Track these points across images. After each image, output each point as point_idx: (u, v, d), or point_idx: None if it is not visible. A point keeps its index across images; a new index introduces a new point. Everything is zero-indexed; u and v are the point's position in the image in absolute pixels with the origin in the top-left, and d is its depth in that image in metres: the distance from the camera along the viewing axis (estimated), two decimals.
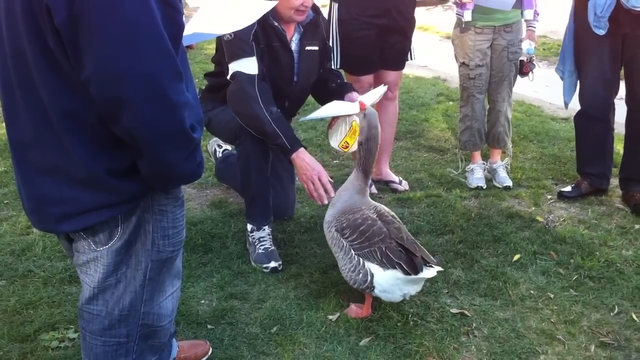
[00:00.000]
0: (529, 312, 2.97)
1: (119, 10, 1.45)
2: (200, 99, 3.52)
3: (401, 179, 4.44)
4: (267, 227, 3.42)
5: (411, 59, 4.30)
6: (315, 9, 3.48)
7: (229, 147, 4.17)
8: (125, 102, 1.49)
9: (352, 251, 2.81)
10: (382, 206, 3.00)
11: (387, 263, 2.72)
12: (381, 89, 3.57)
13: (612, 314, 2.99)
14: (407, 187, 4.37)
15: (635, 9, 3.68)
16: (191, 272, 3.21)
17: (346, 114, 3.32)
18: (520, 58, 4.31)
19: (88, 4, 1.44)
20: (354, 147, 3.27)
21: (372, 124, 2.92)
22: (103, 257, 1.75)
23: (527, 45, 4.30)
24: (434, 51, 8.95)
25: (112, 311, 1.80)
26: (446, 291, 3.12)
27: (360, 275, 2.79)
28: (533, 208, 4.11)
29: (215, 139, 4.16)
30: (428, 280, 3.13)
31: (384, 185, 4.41)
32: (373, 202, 3.03)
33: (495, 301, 3.05)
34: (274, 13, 3.27)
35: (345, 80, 3.82)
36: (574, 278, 3.26)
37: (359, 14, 3.96)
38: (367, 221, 2.81)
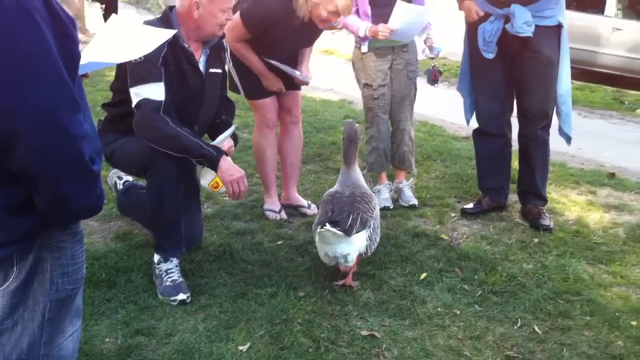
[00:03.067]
0: (437, 330, 3.03)
1: (11, 41, 1.39)
2: (100, 130, 3.40)
3: (310, 202, 4.45)
4: (175, 258, 3.35)
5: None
6: None
7: (129, 178, 4.06)
8: (20, 135, 1.42)
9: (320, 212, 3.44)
10: (359, 189, 3.54)
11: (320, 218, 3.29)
12: (229, 130, 3.57)
13: (515, 327, 3.08)
14: (316, 211, 4.35)
15: (519, 34, 3.90)
16: (94, 309, 3.09)
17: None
18: (431, 56, 4.46)
19: None
20: (224, 187, 3.30)
21: (346, 128, 3.63)
22: None
23: (428, 52, 4.44)
24: (339, 74, 9.09)
25: (9, 356, 1.71)
26: (356, 313, 3.14)
27: (313, 225, 3.44)
28: (438, 226, 4.22)
29: (115, 170, 4.02)
30: (338, 303, 3.17)
31: (294, 210, 4.41)
32: (355, 182, 3.60)
33: (404, 321, 3.09)
34: (184, 34, 3.24)
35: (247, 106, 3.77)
36: (479, 293, 3.35)
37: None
38: (329, 196, 3.49)
